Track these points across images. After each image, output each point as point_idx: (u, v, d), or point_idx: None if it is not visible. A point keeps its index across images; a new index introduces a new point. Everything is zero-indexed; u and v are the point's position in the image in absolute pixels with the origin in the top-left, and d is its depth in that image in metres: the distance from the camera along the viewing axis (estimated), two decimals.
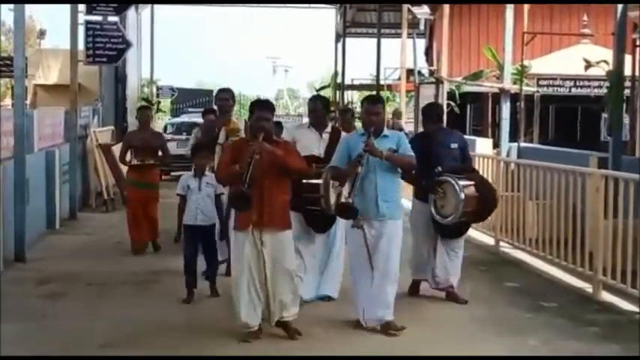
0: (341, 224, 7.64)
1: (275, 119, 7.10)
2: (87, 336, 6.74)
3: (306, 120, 9.56)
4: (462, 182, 7.69)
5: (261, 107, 6.67)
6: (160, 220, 10.67)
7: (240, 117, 10.28)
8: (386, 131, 7.07)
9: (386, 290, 6.85)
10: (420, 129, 17.22)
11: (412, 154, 6.99)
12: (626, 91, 13.07)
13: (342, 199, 6.75)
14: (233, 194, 6.44)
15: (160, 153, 10.81)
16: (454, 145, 8.13)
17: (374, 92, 26.90)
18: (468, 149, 8.48)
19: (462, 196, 7.55)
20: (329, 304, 7.75)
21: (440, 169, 7.81)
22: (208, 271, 8.19)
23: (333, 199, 7.15)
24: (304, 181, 7.11)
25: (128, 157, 10.66)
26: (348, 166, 6.80)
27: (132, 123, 21.21)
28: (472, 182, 7.85)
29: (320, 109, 8.04)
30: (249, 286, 6.48)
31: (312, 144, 7.73)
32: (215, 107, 9.86)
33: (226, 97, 9.27)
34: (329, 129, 7.95)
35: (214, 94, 9.52)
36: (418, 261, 8.20)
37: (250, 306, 6.48)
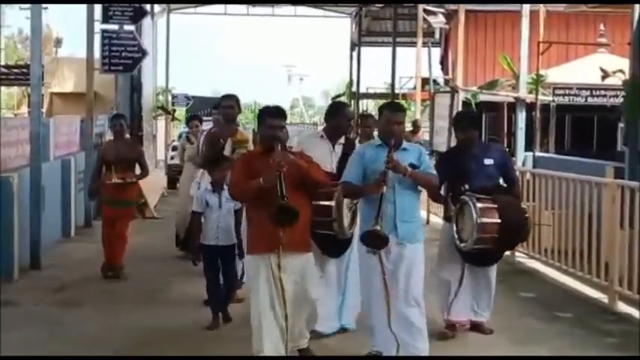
0: (355, 247, 6.63)
1: (289, 127, 7.01)
2: (100, 343, 6.76)
3: (319, 128, 8.50)
4: (480, 204, 6.69)
5: (273, 115, 5.88)
6: (130, 237, 9.80)
7: (245, 126, 9.65)
8: (405, 144, 6.22)
9: (408, 315, 5.99)
10: (436, 139, 17.25)
11: (434, 172, 6.24)
12: None
13: (371, 227, 5.80)
14: (277, 210, 5.44)
15: (137, 167, 9.70)
16: (489, 162, 6.95)
17: (389, 100, 26.94)
18: (512, 167, 7.31)
19: (478, 220, 6.59)
20: (345, 336, 6.99)
21: (467, 187, 6.86)
22: (226, 297, 7.48)
23: (347, 221, 6.54)
24: (314, 202, 6.03)
25: (113, 174, 9.33)
26: (368, 185, 5.99)
27: (147, 132, 21.34)
28: (494, 205, 6.71)
29: (349, 118, 7.16)
30: (271, 317, 5.63)
31: (324, 156, 6.70)
32: (217, 116, 9.12)
33: (231, 103, 8.33)
34: (342, 140, 7.02)
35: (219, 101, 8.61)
36: (441, 292, 7.22)
37: (273, 339, 5.63)
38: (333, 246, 6.70)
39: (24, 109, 30.30)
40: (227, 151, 8.01)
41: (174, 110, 28.49)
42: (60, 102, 22.51)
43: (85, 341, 6.83)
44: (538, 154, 14.94)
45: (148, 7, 17.40)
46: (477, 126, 7.21)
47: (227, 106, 8.33)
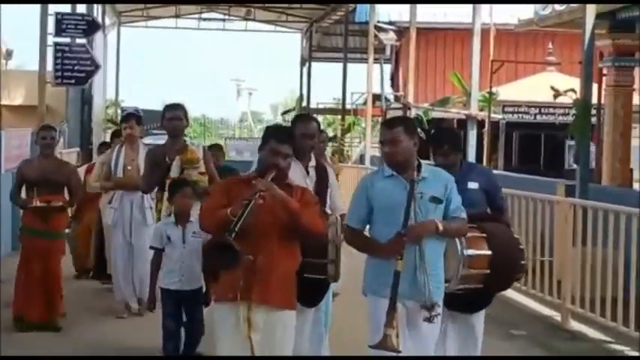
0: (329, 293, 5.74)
1: (222, 141, 5.99)
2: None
3: None
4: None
5: (280, 139, 4.75)
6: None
7: (196, 142, 7.70)
8: (425, 168, 4.85)
9: None
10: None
11: (464, 213, 4.95)
12: (592, 119, 13.25)
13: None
14: (210, 245, 4.64)
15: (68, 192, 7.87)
16: (473, 185, 5.65)
17: (339, 116, 27.03)
18: (499, 192, 5.98)
19: (464, 252, 5.18)
20: None
21: None
22: (189, 349, 6.20)
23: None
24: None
25: (33, 194, 7.64)
26: (384, 246, 4.68)
27: (96, 145, 21.13)
28: (482, 235, 5.38)
29: (314, 132, 5.85)
30: None
31: (299, 182, 5.27)
32: (128, 131, 8.30)
33: (178, 114, 6.86)
34: (313, 162, 5.87)
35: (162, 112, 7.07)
36: None
37: None
38: (314, 292, 5.37)
39: None
40: (174, 172, 6.64)
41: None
42: (9, 115, 22.19)
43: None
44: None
45: (100, 20, 17.29)
46: (460, 148, 5.85)
47: (173, 117, 6.85)
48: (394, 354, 4.47)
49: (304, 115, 6.32)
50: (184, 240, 6.09)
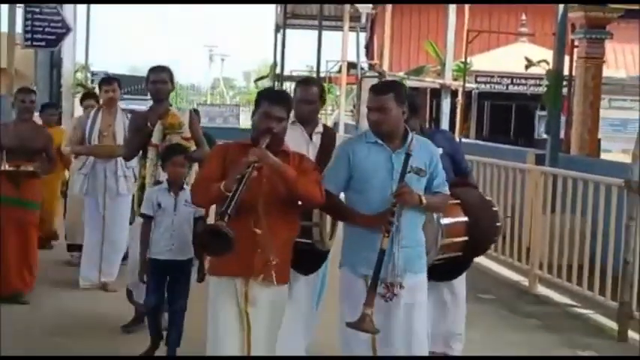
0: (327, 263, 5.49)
1: (196, 106, 5.44)
2: (28, 320, 6.64)
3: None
4: None
5: (272, 100, 4.47)
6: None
7: (181, 107, 7.30)
8: (413, 139, 4.52)
9: None
10: (362, 123, 17.42)
11: (446, 187, 4.70)
12: (563, 90, 13.38)
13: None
14: (202, 231, 4.43)
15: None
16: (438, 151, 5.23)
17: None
18: (463, 155, 5.90)
19: (441, 221, 4.98)
20: None
21: None
22: (173, 328, 5.74)
23: (328, 228, 5.13)
24: None
25: (4, 161, 7.15)
26: (367, 218, 4.45)
27: (66, 109, 20.93)
28: (456, 201, 5.20)
29: (316, 98, 5.51)
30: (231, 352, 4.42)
31: (298, 148, 4.96)
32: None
33: (164, 78, 6.50)
34: (320, 128, 5.58)
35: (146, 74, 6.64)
36: None
37: None
38: (305, 259, 5.03)
39: None
40: (156, 138, 6.34)
41: (94, 88, 27.99)
42: None
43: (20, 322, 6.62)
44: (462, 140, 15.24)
45: None
46: (416, 112, 5.53)
47: (157, 80, 6.48)
48: (372, 334, 4.34)
49: (306, 79, 5.96)
50: (175, 207, 5.73)
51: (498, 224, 5.63)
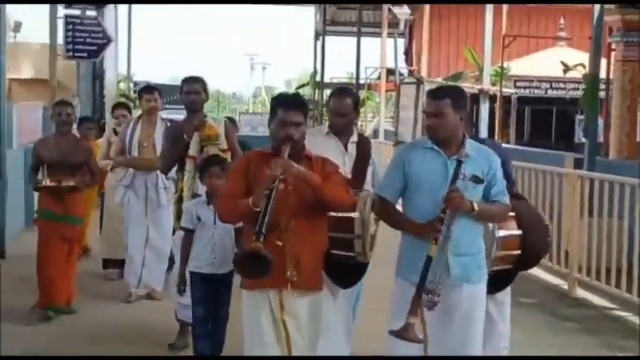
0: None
1: (238, 115, 5.28)
2: (72, 332, 6.78)
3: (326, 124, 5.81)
4: None
5: (286, 106, 4.38)
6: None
7: (216, 117, 7.29)
8: (468, 145, 4.41)
9: None
10: (402, 129, 17.44)
11: (506, 197, 4.53)
12: (601, 94, 13.29)
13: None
14: (242, 254, 4.21)
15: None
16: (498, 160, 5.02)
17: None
18: (510, 166, 5.55)
19: (496, 233, 4.88)
20: None
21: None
22: (216, 337, 5.68)
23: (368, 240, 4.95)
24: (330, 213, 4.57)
25: (45, 177, 7.07)
26: (419, 226, 4.35)
27: (109, 121, 21.21)
28: (512, 213, 4.95)
29: (350, 110, 5.42)
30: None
31: (334, 159, 4.81)
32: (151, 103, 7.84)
33: (196, 88, 6.35)
34: (355, 138, 5.48)
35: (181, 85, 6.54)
36: None
37: None
38: (346, 273, 5.00)
39: None
40: (193, 150, 6.23)
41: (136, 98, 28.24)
42: (18, 88, 22.22)
43: (56, 331, 6.79)
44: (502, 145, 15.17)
45: None
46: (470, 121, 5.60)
47: (191, 91, 6.35)
48: (416, 343, 4.22)
49: (339, 90, 5.71)
50: (215, 220, 5.48)
51: (549, 239, 5.50)
